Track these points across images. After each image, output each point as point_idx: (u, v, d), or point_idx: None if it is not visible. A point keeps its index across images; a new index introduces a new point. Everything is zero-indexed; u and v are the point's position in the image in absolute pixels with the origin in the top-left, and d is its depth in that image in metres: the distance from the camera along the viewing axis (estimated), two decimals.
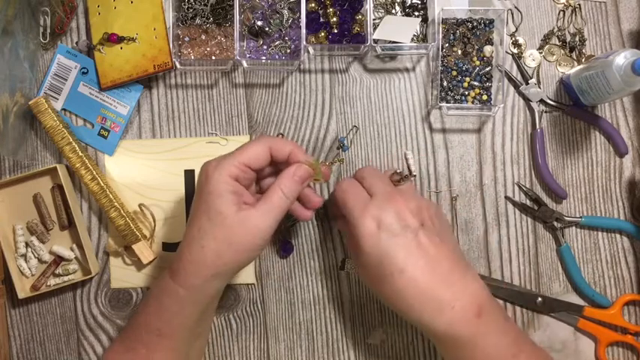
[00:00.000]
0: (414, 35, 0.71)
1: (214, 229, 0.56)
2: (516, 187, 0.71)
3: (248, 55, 0.71)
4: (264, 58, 0.70)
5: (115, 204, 0.69)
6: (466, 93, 0.70)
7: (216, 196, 0.56)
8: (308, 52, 0.71)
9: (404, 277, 0.55)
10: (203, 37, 0.71)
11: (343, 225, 0.65)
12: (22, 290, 0.69)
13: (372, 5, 0.68)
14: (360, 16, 0.71)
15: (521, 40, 0.72)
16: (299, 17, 0.70)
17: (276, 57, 0.71)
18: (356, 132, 0.72)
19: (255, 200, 0.59)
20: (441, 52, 0.70)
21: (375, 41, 0.68)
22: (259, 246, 0.57)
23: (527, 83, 0.71)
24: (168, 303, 0.59)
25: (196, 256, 0.57)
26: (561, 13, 0.72)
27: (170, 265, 0.60)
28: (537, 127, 0.70)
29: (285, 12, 0.70)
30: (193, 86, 0.72)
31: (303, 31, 0.68)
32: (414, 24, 0.69)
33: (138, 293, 0.72)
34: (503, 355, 0.55)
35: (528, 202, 0.71)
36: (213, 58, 0.70)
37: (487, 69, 0.70)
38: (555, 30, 0.72)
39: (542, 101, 0.71)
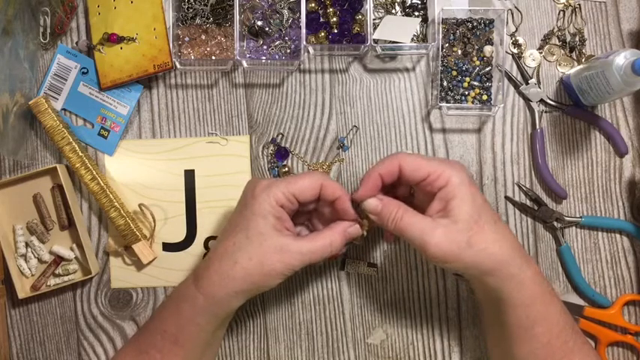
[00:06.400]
0: (414, 35, 0.71)
1: (250, 247, 0.57)
2: (516, 187, 0.71)
3: (248, 55, 0.71)
4: (264, 58, 0.70)
5: (115, 204, 0.69)
6: (466, 93, 0.70)
7: (259, 216, 0.57)
8: (308, 52, 0.71)
9: (502, 222, 0.59)
10: (203, 37, 0.71)
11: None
12: (22, 290, 0.69)
13: (372, 5, 0.68)
14: (360, 16, 0.71)
15: (521, 40, 0.72)
16: (299, 17, 0.70)
17: (276, 57, 0.71)
18: (356, 132, 0.72)
19: (294, 229, 0.61)
20: (441, 52, 0.70)
21: (375, 41, 0.68)
22: (285, 275, 0.58)
23: (527, 83, 0.71)
24: (186, 309, 0.59)
25: (226, 269, 0.57)
26: (561, 13, 0.72)
27: (195, 272, 0.61)
28: (537, 127, 0.70)
29: (285, 12, 0.70)
30: (193, 86, 0.72)
31: (303, 31, 0.68)
32: (414, 24, 0.69)
33: (138, 293, 0.72)
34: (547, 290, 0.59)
35: (528, 202, 0.71)
36: (213, 58, 0.70)
37: (487, 69, 0.70)
38: (555, 30, 0.72)
39: (542, 101, 0.71)
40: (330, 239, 0.59)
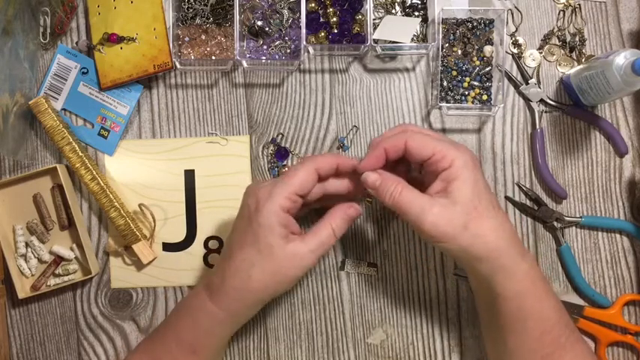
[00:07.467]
0: (414, 35, 0.71)
1: (263, 261, 0.57)
2: (516, 187, 0.71)
3: (248, 55, 0.71)
4: (264, 58, 0.70)
5: (115, 204, 0.69)
6: (466, 93, 0.70)
7: (267, 229, 0.57)
8: (308, 52, 0.71)
9: (502, 211, 0.58)
10: (203, 37, 0.71)
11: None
12: (22, 290, 0.69)
13: (372, 5, 0.68)
14: (360, 16, 0.71)
15: (521, 40, 0.72)
16: (299, 17, 0.70)
17: (276, 57, 0.71)
18: (356, 132, 0.72)
19: (299, 229, 0.60)
20: (441, 52, 0.70)
21: (375, 41, 0.68)
22: (300, 277, 0.59)
23: (527, 83, 0.71)
24: (206, 323, 0.60)
25: (242, 284, 0.58)
26: (561, 13, 0.72)
27: (207, 286, 0.61)
28: (537, 127, 0.70)
29: (285, 12, 0.70)
30: (193, 86, 0.72)
31: (303, 31, 0.68)
32: (414, 24, 0.69)
33: (138, 293, 0.72)
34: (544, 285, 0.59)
35: (528, 202, 0.71)
36: (213, 58, 0.70)
37: (487, 69, 0.70)
38: (555, 30, 0.72)
39: (542, 101, 0.71)
40: (331, 226, 0.59)
